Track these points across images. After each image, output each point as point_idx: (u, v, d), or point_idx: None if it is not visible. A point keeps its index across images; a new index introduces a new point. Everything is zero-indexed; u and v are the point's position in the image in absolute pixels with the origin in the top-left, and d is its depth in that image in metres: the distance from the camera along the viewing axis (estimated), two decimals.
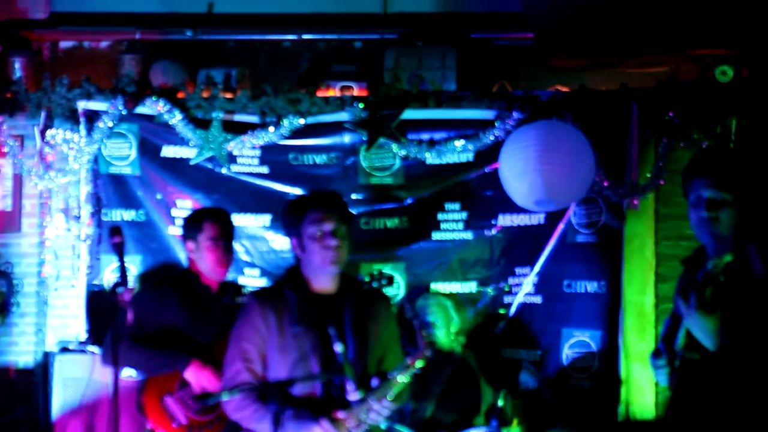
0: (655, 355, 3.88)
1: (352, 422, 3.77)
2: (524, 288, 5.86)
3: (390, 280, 4.10)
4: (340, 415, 3.77)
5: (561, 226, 5.79)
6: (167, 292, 4.92)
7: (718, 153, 3.90)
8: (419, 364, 3.79)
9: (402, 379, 3.80)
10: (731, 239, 3.69)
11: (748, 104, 5.62)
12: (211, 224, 5.09)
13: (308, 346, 3.85)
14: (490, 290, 5.93)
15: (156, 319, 4.83)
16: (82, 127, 6.04)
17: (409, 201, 6.03)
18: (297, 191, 6.06)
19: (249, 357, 3.91)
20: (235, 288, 5.40)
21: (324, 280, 3.97)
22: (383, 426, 3.99)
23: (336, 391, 3.84)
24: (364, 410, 3.77)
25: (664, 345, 3.85)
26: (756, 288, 3.57)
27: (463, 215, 5.98)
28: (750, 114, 5.62)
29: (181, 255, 6.04)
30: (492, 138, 5.80)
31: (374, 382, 3.80)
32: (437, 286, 5.95)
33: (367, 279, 4.11)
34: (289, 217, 4.02)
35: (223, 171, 6.07)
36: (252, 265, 6.04)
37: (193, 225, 5.11)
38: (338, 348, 3.79)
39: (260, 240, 6.04)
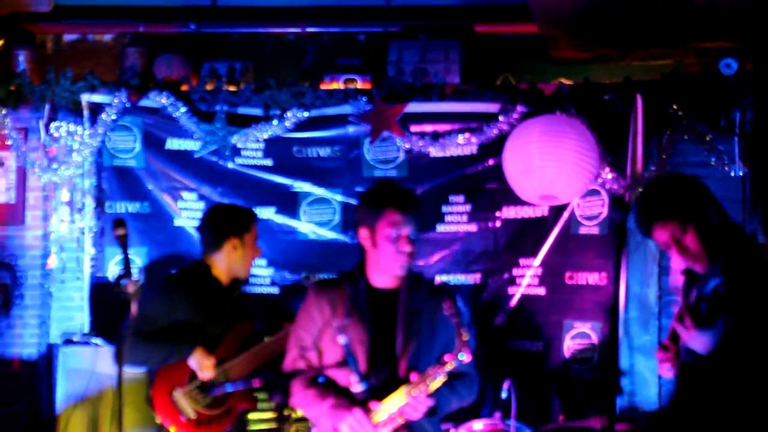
0: (663, 349, 3.91)
1: (385, 415, 3.78)
2: (527, 279, 5.87)
3: None
4: (375, 407, 3.78)
5: (564, 218, 5.80)
6: (178, 290, 4.90)
7: (653, 192, 3.91)
8: (452, 365, 3.75)
9: (437, 376, 3.77)
10: (720, 249, 3.75)
11: (753, 96, 5.62)
12: (255, 225, 5.11)
13: (356, 339, 3.87)
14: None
15: (167, 317, 4.82)
16: (86, 120, 6.07)
17: None
18: (301, 184, 6.08)
19: (304, 345, 3.99)
20: (243, 280, 5.41)
21: (387, 278, 3.99)
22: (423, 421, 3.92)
23: (379, 383, 3.85)
24: (399, 404, 3.77)
25: (671, 342, 3.88)
26: (747, 298, 3.64)
27: (467, 207, 5.98)
28: (754, 106, 5.62)
29: (187, 246, 6.05)
30: (496, 131, 5.79)
31: (412, 377, 3.80)
32: (442, 278, 5.96)
33: None
34: (364, 208, 3.99)
35: (228, 164, 6.09)
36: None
37: (240, 224, 5.06)
38: (341, 340, 3.80)
39: (266, 230, 6.03)
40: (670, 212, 3.75)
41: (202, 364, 4.71)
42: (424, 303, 3.99)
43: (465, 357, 3.72)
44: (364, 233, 3.97)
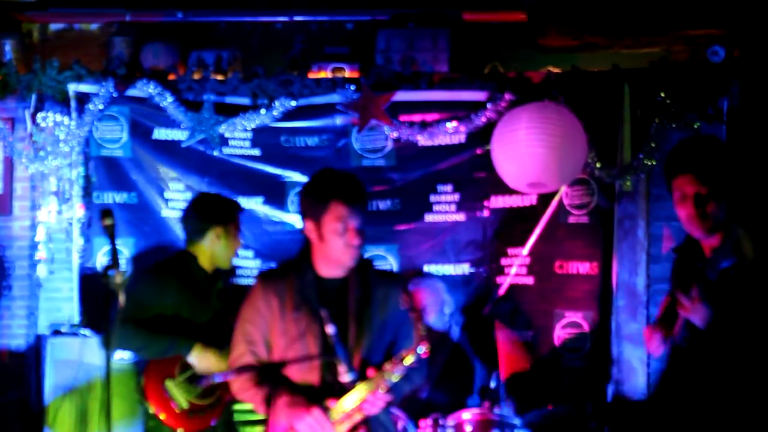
0: (652, 329, 3.92)
1: (343, 412, 3.69)
2: (516, 269, 5.87)
3: None
4: (332, 404, 3.69)
5: (553, 207, 5.80)
6: (167, 275, 4.89)
7: (697, 146, 3.93)
8: (409, 360, 3.65)
9: (396, 371, 3.67)
10: (721, 227, 3.75)
11: (740, 84, 5.63)
12: (239, 215, 5.09)
13: (307, 330, 3.77)
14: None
15: (156, 303, 4.80)
16: (73, 110, 6.04)
17: (401, 183, 6.02)
18: (289, 173, 6.07)
19: (252, 339, 3.85)
20: (229, 271, 5.39)
21: (336, 268, 3.86)
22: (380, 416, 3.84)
23: (335, 379, 3.74)
24: (357, 400, 3.68)
25: (660, 325, 3.90)
26: (751, 280, 3.65)
27: (456, 197, 5.97)
28: (742, 94, 5.63)
29: (174, 237, 6.04)
30: (484, 119, 5.79)
31: (369, 373, 3.69)
32: (430, 268, 5.96)
33: None
34: (308, 201, 3.83)
35: (215, 153, 6.07)
36: (245, 246, 6.03)
37: (225, 214, 5.02)
38: (330, 330, 3.71)
39: (253, 221, 6.03)
40: (710, 172, 3.75)
41: (203, 359, 4.71)
42: (373, 289, 3.89)
43: (423, 350, 3.62)
44: (309, 226, 3.82)
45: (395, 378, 3.68)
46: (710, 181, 3.73)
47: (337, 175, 3.87)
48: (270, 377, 3.80)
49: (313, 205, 3.80)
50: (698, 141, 3.96)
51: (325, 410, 3.69)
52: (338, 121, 6.02)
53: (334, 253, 3.80)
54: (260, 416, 3.87)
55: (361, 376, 3.70)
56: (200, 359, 4.73)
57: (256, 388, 3.81)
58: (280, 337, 3.82)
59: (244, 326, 3.89)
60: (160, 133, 6.10)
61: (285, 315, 3.81)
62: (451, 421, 4.99)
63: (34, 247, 6.15)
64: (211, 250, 4.96)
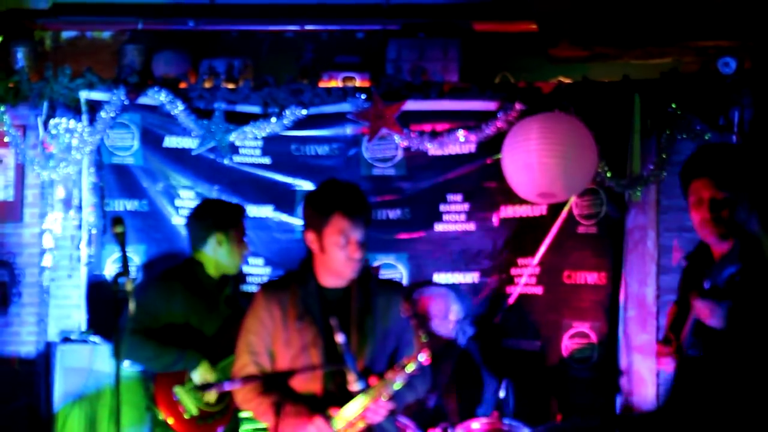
0: (665, 341, 3.92)
1: (346, 421, 3.69)
2: (525, 279, 5.86)
3: None
4: (335, 413, 3.69)
5: (562, 217, 5.80)
6: (173, 282, 4.90)
7: (716, 152, 3.94)
8: (410, 367, 3.63)
9: (398, 379, 3.65)
10: (734, 233, 3.74)
11: (751, 96, 5.62)
12: (243, 221, 5.08)
13: (310, 340, 3.79)
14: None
15: (164, 311, 4.81)
16: (84, 117, 6.06)
17: (411, 192, 6.03)
18: (299, 182, 6.08)
19: (255, 350, 3.87)
20: (238, 278, 5.38)
21: (338, 279, 3.86)
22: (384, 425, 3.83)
23: (337, 388, 3.75)
24: (360, 409, 3.67)
25: (672, 335, 3.90)
26: (756, 286, 3.66)
27: (466, 206, 5.98)
28: (753, 106, 5.62)
29: (184, 244, 6.03)
30: (494, 129, 5.79)
31: (372, 382, 3.68)
32: (439, 277, 5.96)
33: None
34: (310, 212, 3.82)
35: (226, 161, 6.08)
36: (256, 254, 6.05)
37: (226, 220, 5.00)
38: (340, 338, 3.70)
39: (263, 229, 6.04)
40: (727, 178, 3.75)
41: (203, 378, 4.73)
42: (374, 297, 3.88)
43: (424, 358, 3.60)
44: (310, 237, 3.82)
45: (397, 386, 3.67)
46: (727, 187, 3.74)
47: (341, 186, 3.86)
48: (274, 387, 3.82)
49: (315, 216, 3.80)
50: (717, 147, 3.98)
51: (328, 419, 3.69)
52: (348, 130, 6.04)
53: (336, 265, 3.80)
54: (266, 425, 3.87)
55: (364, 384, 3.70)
56: (202, 377, 4.73)
57: (260, 397, 3.82)
58: (283, 347, 3.83)
59: (247, 337, 3.90)
60: (171, 141, 6.12)
61: (288, 325, 3.82)
62: (460, 431, 4.99)
63: (44, 254, 6.17)
64: (214, 256, 4.96)
